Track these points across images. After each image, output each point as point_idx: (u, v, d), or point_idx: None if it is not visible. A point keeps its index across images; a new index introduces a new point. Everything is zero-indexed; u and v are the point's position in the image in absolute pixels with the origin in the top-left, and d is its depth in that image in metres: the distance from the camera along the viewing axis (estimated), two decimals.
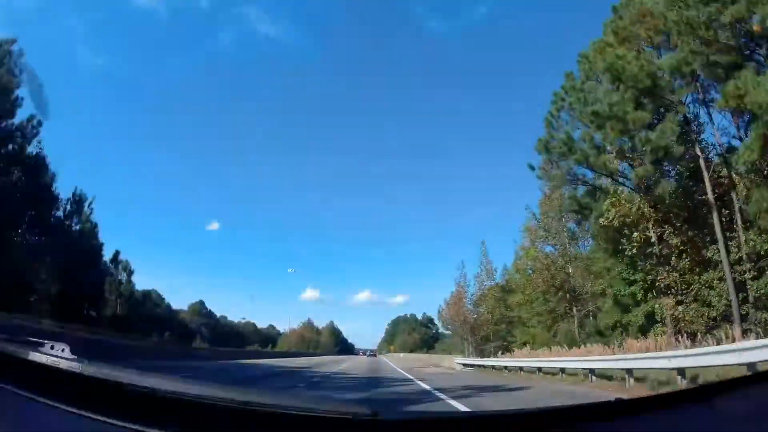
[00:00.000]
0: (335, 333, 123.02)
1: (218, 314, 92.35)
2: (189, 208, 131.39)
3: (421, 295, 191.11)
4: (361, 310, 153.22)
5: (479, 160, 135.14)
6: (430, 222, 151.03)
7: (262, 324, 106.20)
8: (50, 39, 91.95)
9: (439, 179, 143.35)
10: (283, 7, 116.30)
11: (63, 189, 31.84)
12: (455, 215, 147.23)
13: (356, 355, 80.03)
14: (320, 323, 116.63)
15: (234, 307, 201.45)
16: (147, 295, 66.61)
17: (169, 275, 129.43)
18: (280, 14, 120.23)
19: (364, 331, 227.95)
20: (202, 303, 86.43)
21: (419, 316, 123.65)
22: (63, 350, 1.39)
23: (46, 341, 1.48)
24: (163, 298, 72.94)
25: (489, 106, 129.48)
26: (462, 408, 6.80)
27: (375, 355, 79.74)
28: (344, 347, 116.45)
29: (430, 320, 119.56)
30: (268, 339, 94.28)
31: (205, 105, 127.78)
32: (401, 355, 69.42)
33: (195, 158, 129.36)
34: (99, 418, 1.13)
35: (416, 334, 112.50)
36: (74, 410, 1.16)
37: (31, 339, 1.56)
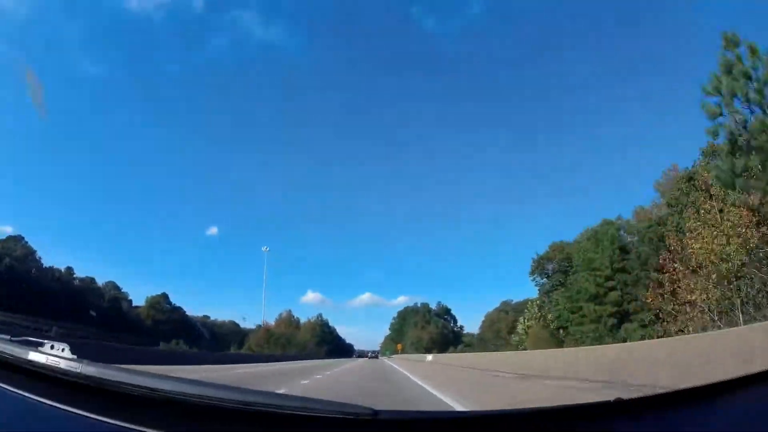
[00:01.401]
0: (324, 329, 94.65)
1: (201, 314, 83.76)
2: (187, 213, 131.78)
3: (422, 296, 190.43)
4: (362, 312, 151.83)
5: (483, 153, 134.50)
6: (428, 219, 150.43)
7: (250, 324, 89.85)
8: (46, 46, 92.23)
9: (438, 177, 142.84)
10: (277, 11, 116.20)
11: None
12: (453, 210, 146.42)
13: (354, 358, 68.44)
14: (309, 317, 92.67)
15: (229, 308, 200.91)
16: (91, 285, 60.94)
17: (171, 280, 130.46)
18: (275, 17, 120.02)
19: (366, 333, 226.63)
20: (165, 296, 76.21)
21: (433, 305, 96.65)
22: (63, 350, 1.40)
23: (46, 341, 1.48)
24: (122, 291, 69.23)
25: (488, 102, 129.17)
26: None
27: (377, 356, 73.53)
28: (337, 347, 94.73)
29: (447, 311, 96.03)
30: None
31: (202, 108, 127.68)
32: (429, 358, 40.53)
33: (194, 162, 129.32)
34: (99, 418, 1.13)
35: (432, 328, 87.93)
36: (74, 410, 1.16)
37: (31, 339, 1.57)
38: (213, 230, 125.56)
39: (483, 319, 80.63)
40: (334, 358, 60.24)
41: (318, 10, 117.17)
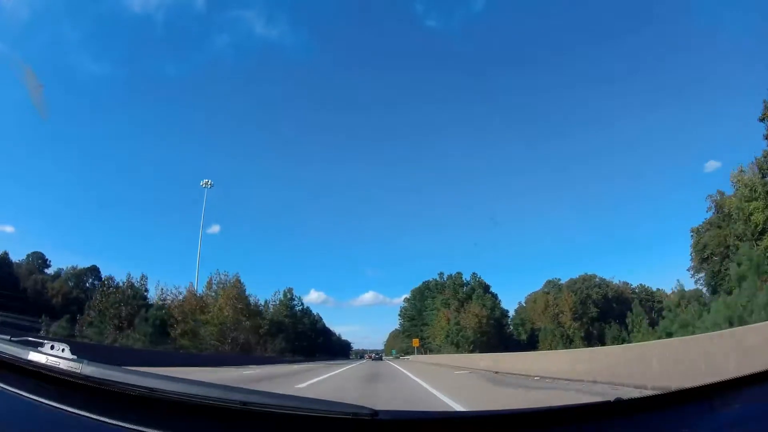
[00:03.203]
0: (296, 314, 58.34)
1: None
2: (189, 213, 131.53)
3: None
4: (365, 310, 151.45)
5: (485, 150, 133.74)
6: (430, 215, 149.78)
7: None
8: (47, 47, 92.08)
9: (439, 173, 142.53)
10: (279, 9, 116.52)
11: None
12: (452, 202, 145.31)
13: (350, 359, 55.80)
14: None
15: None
16: None
17: (173, 278, 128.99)
18: (277, 15, 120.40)
19: (369, 332, 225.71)
20: (94, 270, 58.53)
21: (466, 276, 61.38)
22: (63, 350, 1.40)
23: (46, 341, 1.48)
24: (48, 263, 59.58)
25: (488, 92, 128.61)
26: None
27: (380, 358, 66.29)
28: (326, 345, 72.09)
29: (486, 287, 59.90)
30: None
31: (203, 107, 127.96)
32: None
33: (194, 162, 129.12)
34: (99, 418, 1.13)
35: (475, 307, 52.80)
36: (74, 410, 1.16)
37: (31, 339, 1.57)
38: (215, 228, 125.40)
39: (521, 302, 67.79)
40: (311, 360, 39.08)
41: (319, 9, 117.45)
